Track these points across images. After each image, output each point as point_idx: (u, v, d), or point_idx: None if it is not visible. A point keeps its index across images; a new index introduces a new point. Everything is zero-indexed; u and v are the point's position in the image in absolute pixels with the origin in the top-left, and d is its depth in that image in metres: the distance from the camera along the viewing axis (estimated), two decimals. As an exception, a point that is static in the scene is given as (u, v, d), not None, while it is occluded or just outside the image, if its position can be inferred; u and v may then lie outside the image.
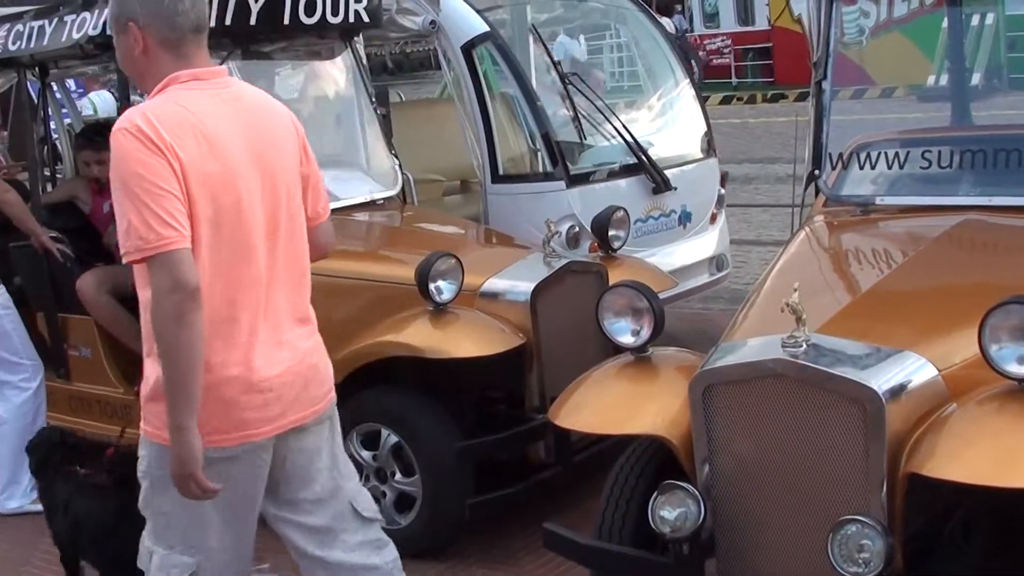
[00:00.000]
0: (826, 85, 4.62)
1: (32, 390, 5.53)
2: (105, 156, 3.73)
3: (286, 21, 5.57)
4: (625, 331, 3.72)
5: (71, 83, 11.27)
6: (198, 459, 2.79)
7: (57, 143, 8.36)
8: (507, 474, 4.75)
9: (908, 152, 4.51)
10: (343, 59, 6.27)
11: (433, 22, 6.54)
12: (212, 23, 5.18)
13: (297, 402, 3.02)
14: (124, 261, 2.79)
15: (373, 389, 4.79)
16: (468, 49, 6.49)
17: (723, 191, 7.39)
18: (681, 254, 6.90)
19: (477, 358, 4.58)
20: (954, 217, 4.14)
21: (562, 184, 6.37)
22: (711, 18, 26.99)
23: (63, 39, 5.34)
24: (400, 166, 6.12)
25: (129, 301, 4.14)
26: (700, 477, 3.27)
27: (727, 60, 26.14)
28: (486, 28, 6.55)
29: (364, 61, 6.32)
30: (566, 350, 4.78)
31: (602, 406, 3.67)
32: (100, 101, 14.16)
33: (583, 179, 6.50)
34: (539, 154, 6.47)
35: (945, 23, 5.24)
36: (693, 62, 17.42)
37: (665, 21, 18.02)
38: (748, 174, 13.80)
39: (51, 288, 5.85)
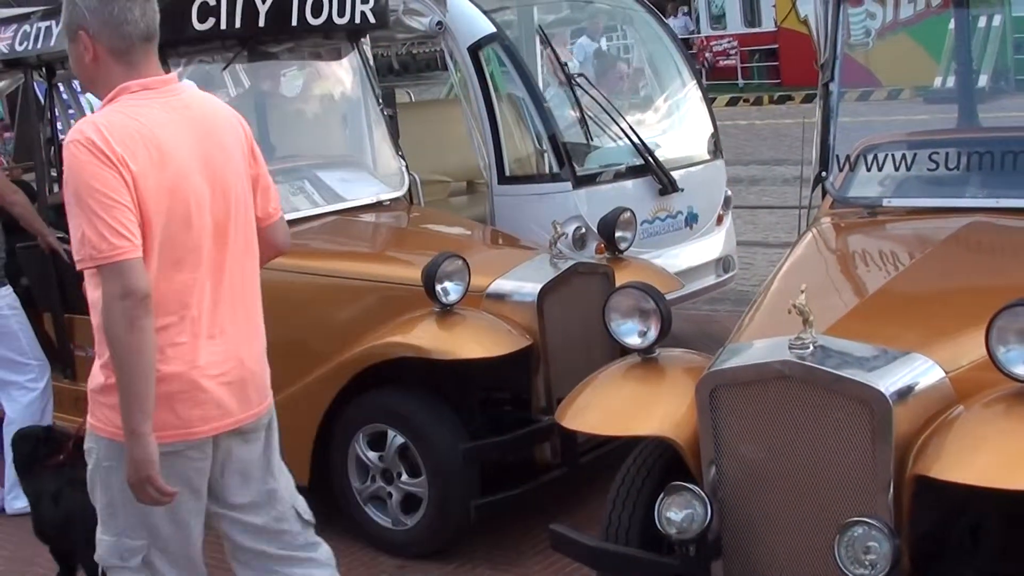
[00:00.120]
0: (833, 87, 4.62)
1: (39, 390, 5.55)
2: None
3: (294, 22, 5.59)
4: (632, 332, 3.71)
5: (77, 84, 11.25)
6: (154, 463, 2.84)
7: (64, 144, 8.36)
8: (513, 475, 4.75)
9: (915, 154, 4.50)
10: (350, 60, 6.27)
11: (440, 23, 6.54)
12: (222, 25, 5.28)
13: (237, 404, 3.07)
14: (78, 268, 2.89)
15: (380, 390, 4.80)
16: (475, 50, 6.50)
17: (730, 192, 7.39)
18: (688, 255, 6.89)
19: (484, 359, 4.59)
20: (961, 219, 4.14)
21: (569, 185, 6.37)
22: (717, 19, 26.93)
23: (69, 40, 5.34)
24: (407, 167, 6.12)
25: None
26: (707, 478, 3.26)
27: (733, 61, 26.09)
28: (493, 29, 6.56)
29: (371, 62, 6.31)
30: (573, 351, 4.78)
31: (609, 407, 3.67)
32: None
33: (590, 180, 6.50)
34: (546, 155, 6.47)
35: (952, 25, 5.22)
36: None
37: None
38: (755, 176, 13.78)
39: (58, 289, 5.87)
